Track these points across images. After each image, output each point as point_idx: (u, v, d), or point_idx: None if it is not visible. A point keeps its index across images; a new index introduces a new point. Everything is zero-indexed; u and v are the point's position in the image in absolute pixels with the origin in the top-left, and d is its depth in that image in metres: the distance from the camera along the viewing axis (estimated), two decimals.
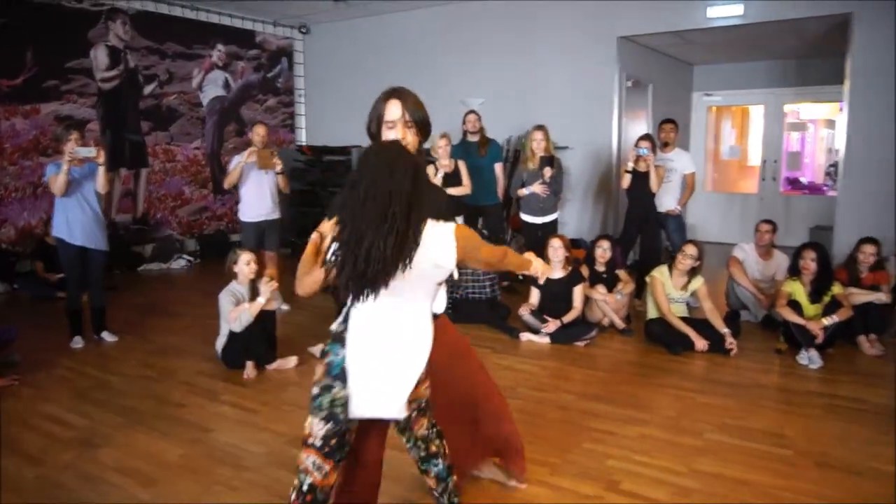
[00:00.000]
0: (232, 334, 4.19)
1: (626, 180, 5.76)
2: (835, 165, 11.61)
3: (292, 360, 4.36)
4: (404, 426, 2.11)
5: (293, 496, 1.95)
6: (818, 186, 11.21)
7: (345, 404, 1.88)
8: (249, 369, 4.16)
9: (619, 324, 5.12)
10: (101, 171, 4.59)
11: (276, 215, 5.88)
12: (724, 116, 10.91)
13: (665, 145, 6.09)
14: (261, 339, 4.22)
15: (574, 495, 2.70)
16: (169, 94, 8.26)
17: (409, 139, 2.13)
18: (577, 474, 2.87)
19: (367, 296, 1.81)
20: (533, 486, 2.76)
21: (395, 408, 1.91)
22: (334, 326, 1.94)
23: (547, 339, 4.86)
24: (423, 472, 2.22)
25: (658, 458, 3.04)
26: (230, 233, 8.88)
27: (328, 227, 1.97)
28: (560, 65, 7.76)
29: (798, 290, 4.63)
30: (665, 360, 4.54)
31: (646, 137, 5.72)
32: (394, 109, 2.14)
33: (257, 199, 5.71)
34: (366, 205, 1.79)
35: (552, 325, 4.84)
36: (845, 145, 6.49)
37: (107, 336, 4.94)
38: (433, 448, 2.18)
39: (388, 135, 2.14)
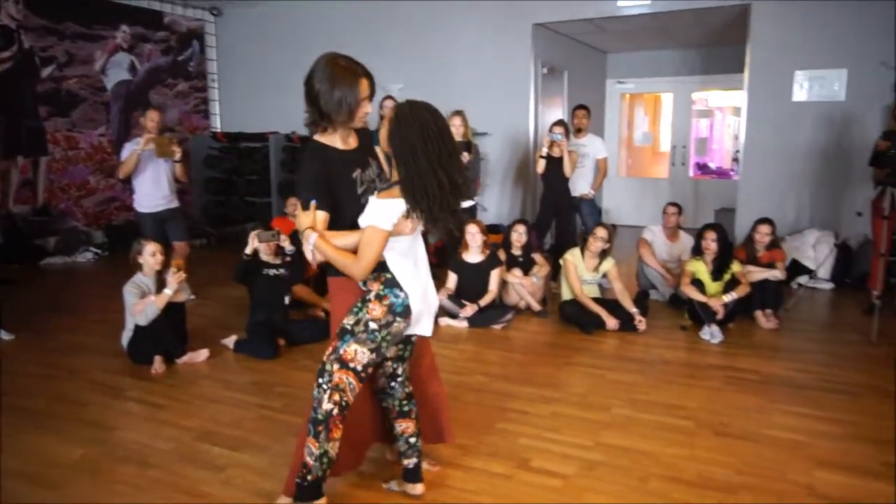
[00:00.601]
0: (139, 328, 4.03)
1: (541, 165, 5.86)
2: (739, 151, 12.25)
3: (203, 353, 4.24)
4: (408, 357, 2.50)
5: (335, 411, 2.25)
6: (726, 171, 11.75)
7: (392, 338, 2.26)
8: (158, 364, 4.02)
9: (535, 306, 5.22)
10: None
11: (175, 204, 5.70)
12: (638, 103, 11.27)
13: (578, 131, 6.24)
14: (169, 332, 4.08)
15: (485, 474, 2.75)
16: (69, 77, 7.82)
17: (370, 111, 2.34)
18: (489, 454, 2.92)
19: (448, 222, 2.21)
20: (446, 468, 2.79)
21: (429, 325, 2.40)
22: (388, 275, 2.25)
23: (465, 324, 4.91)
24: (406, 414, 2.50)
25: (567, 434, 3.13)
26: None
27: (306, 216, 2.24)
28: (477, 51, 7.80)
29: (700, 269, 4.85)
30: (578, 339, 4.67)
31: (559, 123, 5.84)
32: (367, 87, 2.29)
33: (155, 188, 5.50)
34: (434, 162, 2.13)
35: (469, 309, 4.90)
36: (745, 132, 6.81)
37: (2, 334, 4.67)
38: (409, 389, 2.53)
39: (362, 112, 2.29)
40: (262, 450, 2.99)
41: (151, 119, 5.44)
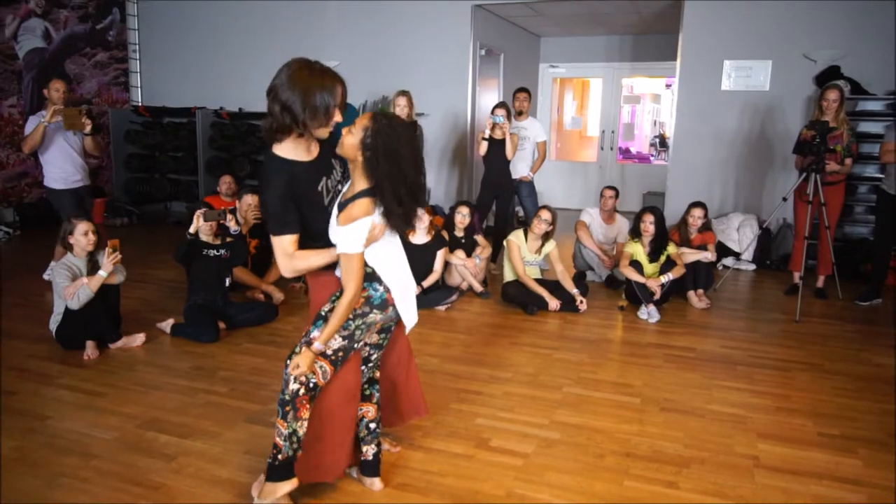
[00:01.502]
0: (69, 312, 3.80)
1: (483, 147, 5.87)
2: (658, 137, 12.70)
3: (139, 338, 4.05)
4: (384, 345, 2.51)
5: (301, 391, 2.23)
6: (645, 156, 12.15)
7: (365, 327, 2.28)
8: (90, 349, 3.81)
9: (478, 287, 5.26)
10: None
11: (88, 181, 5.43)
12: (567, 88, 11.45)
13: (519, 114, 6.27)
14: (103, 316, 3.87)
15: (446, 455, 2.75)
16: None
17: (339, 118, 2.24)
18: (448, 435, 2.93)
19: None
20: (407, 450, 2.78)
21: (414, 315, 2.45)
22: (367, 269, 2.25)
23: None
24: (367, 397, 2.50)
25: (522, 413, 3.17)
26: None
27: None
28: (415, 30, 7.72)
29: (638, 251, 5.00)
30: (521, 320, 4.73)
31: (501, 105, 5.85)
32: (340, 92, 2.20)
33: (68, 163, 5.21)
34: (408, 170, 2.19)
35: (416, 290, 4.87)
36: (675, 119, 7.04)
37: None
38: (377, 374, 2.55)
39: (336, 119, 2.21)
40: (213, 437, 2.89)
41: (56, 89, 5.09)
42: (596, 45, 10.03)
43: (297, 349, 2.24)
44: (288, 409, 2.24)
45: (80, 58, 8.48)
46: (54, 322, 3.92)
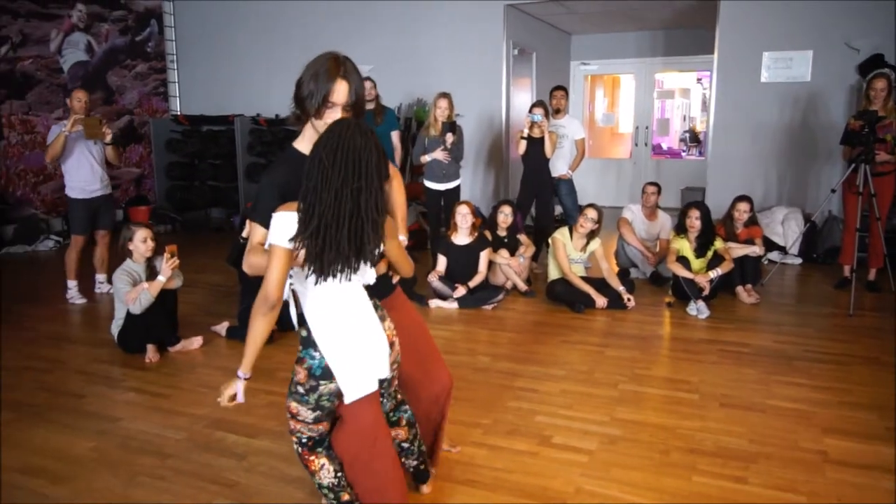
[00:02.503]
0: (130, 317, 3.91)
1: (522, 146, 5.88)
2: (689, 132, 12.58)
3: (197, 341, 4.14)
4: (384, 382, 2.16)
5: (298, 449, 2.12)
6: (676, 151, 12.04)
7: (331, 394, 2.00)
8: (152, 352, 3.91)
9: (522, 286, 5.27)
10: None
11: (108, 190, 5.41)
12: (598, 85, 11.40)
13: (556, 112, 6.27)
14: (163, 320, 3.97)
15: (511, 452, 2.78)
16: (24, 57, 7.45)
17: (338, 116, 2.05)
18: (509, 432, 2.95)
19: (344, 276, 1.89)
20: (469, 448, 2.81)
21: (381, 371, 2.04)
22: (303, 333, 2.01)
23: (455, 305, 4.93)
24: (395, 423, 2.29)
25: (580, 410, 3.18)
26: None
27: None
28: (449, 32, 7.76)
29: (685, 247, 4.97)
30: (569, 318, 4.74)
31: (539, 104, 5.86)
32: (342, 91, 2.02)
33: (88, 173, 5.20)
34: (343, 192, 1.83)
35: (461, 290, 4.91)
36: (714, 113, 6.98)
37: None
38: (400, 396, 2.32)
39: (330, 115, 2.03)
40: (279, 436, 2.94)
41: (78, 99, 5.11)
42: (627, 40, 9.98)
43: (288, 400, 2.08)
44: (302, 463, 2.16)
45: (121, 69, 8.68)
46: (116, 327, 4.03)
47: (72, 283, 5.23)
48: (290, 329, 4.35)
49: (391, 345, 2.08)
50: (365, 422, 2.11)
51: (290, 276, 1.99)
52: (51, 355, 4.06)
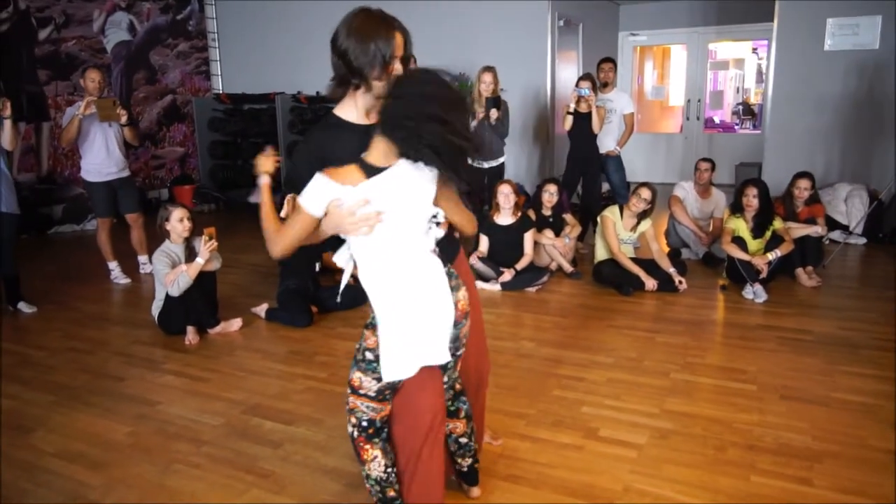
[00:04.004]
0: (169, 298, 3.88)
1: (568, 122, 5.66)
2: (742, 104, 12.04)
3: (236, 323, 4.11)
4: (444, 368, 2.05)
5: (354, 433, 2.00)
6: (729, 125, 11.55)
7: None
8: (191, 334, 3.89)
9: (567, 268, 5.09)
10: (7, 125, 4.12)
11: (126, 172, 5.25)
12: (647, 57, 10.99)
13: (605, 85, 6.02)
14: (202, 302, 3.94)
15: (555, 445, 2.64)
16: (68, 38, 7.50)
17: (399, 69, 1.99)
18: (553, 424, 2.82)
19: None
20: (511, 440, 2.69)
21: (435, 356, 1.88)
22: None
23: (498, 287, 4.79)
24: (453, 413, 2.16)
25: (629, 401, 3.03)
26: (147, 189, 8.31)
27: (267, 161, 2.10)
28: (492, 3, 7.51)
29: (741, 227, 4.71)
30: (616, 301, 4.55)
31: (586, 77, 5.62)
32: (400, 44, 1.97)
33: (104, 155, 5.05)
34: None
35: (508, 274, 4.76)
36: (773, 84, 6.61)
37: (24, 307, 4.53)
38: (459, 386, 2.18)
39: (394, 71, 1.96)
40: (315, 423, 2.87)
41: (91, 79, 4.94)
42: (678, 9, 9.54)
43: (347, 388, 2.01)
44: (354, 448, 2.05)
45: (163, 49, 8.69)
46: (156, 308, 4.01)
47: (112, 265, 5.26)
48: (333, 309, 4.31)
49: (464, 315, 1.94)
50: (424, 407, 1.99)
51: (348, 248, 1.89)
52: (94, 336, 4.08)
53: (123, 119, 5.04)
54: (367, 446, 2.00)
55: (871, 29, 6.10)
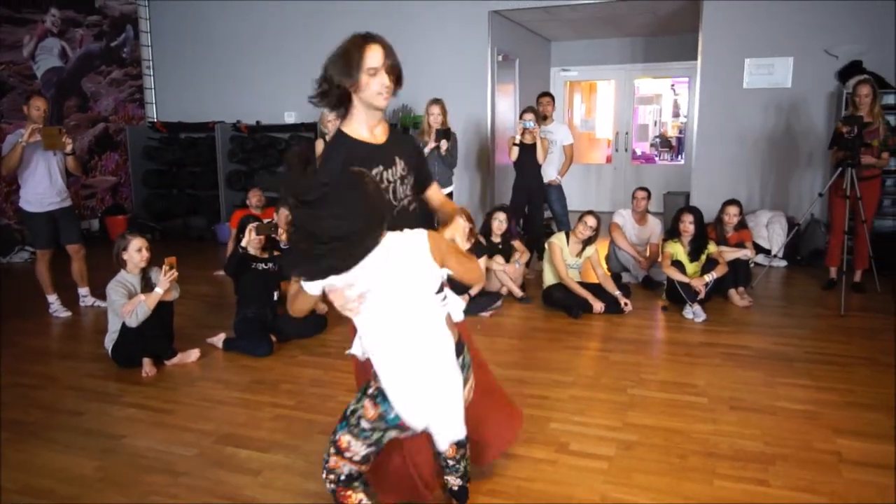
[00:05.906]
0: (125, 330, 3.79)
1: (514, 153, 5.89)
2: (659, 137, 12.73)
3: (194, 353, 4.04)
4: None
5: (334, 487, 1.96)
6: (650, 156, 12.17)
7: (389, 435, 1.93)
8: (148, 366, 3.80)
9: (518, 292, 5.26)
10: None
11: (68, 202, 5.12)
12: (575, 91, 11.49)
13: (545, 118, 6.30)
14: (159, 333, 3.86)
15: (530, 460, 2.75)
16: None
17: (389, 85, 2.09)
18: (525, 440, 2.92)
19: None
20: None
21: (458, 431, 1.94)
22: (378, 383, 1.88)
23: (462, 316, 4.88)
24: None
25: (593, 416, 3.17)
26: (80, 219, 8.01)
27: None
28: (433, 38, 7.74)
29: (679, 251, 5.01)
30: (567, 323, 4.74)
31: (530, 109, 5.88)
32: (376, 55, 2.03)
33: (47, 185, 4.90)
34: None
35: (463, 300, 4.87)
36: (697, 118, 7.07)
37: None
38: None
39: (371, 84, 2.03)
40: (292, 450, 2.88)
41: (36, 107, 4.79)
42: (608, 47, 10.07)
43: (328, 447, 1.96)
44: (337, 501, 1.99)
45: (96, 76, 8.48)
46: (110, 340, 3.91)
47: (51, 298, 5.07)
48: (292, 338, 4.30)
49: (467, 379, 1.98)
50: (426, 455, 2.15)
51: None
52: (40, 371, 3.93)
53: (69, 148, 4.90)
54: (349, 492, 1.96)
55: (785, 69, 6.65)
